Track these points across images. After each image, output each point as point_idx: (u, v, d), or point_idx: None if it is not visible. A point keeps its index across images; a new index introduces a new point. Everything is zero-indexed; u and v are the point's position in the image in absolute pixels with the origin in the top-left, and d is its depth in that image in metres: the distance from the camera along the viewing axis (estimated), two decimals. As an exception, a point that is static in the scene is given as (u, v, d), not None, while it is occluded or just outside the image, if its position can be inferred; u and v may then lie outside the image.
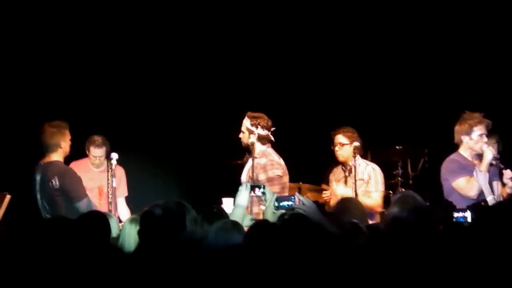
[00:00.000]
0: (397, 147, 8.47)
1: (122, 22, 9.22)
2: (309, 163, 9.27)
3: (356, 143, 7.55)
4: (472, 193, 6.92)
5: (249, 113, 7.36)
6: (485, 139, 7.13)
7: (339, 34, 9.49)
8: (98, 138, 8.01)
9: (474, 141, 7.12)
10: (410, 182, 8.78)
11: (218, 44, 9.55)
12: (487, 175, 7.02)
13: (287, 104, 9.49)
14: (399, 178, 8.50)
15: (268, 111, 7.53)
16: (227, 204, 6.75)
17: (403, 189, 8.23)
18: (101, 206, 7.84)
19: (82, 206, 7.30)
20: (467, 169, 7.10)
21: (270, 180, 7.12)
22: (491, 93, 8.98)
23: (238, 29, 9.48)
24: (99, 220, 5.00)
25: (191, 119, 9.39)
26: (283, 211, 5.34)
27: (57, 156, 7.58)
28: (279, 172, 7.22)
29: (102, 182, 7.94)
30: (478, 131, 7.13)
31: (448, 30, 9.22)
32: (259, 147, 7.28)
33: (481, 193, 6.95)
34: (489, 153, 7.03)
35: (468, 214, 5.29)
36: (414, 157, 8.81)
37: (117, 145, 7.97)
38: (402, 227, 4.62)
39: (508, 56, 9.01)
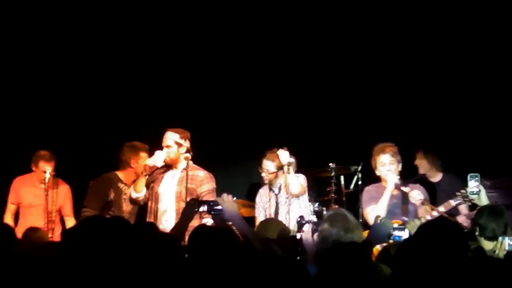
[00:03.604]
0: (331, 164, 8.51)
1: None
2: (243, 178, 9.32)
3: (291, 160, 7.56)
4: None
5: (171, 129, 7.39)
6: (389, 166, 7.18)
7: (265, 56, 9.54)
8: (46, 153, 7.92)
9: (382, 172, 7.20)
10: (344, 199, 8.83)
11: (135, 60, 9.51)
12: (393, 200, 7.11)
13: (219, 118, 9.53)
14: (333, 195, 8.53)
15: (203, 125, 7.56)
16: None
17: (337, 206, 8.27)
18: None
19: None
20: (379, 198, 7.17)
21: (212, 191, 7.24)
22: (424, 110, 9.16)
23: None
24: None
25: (120, 133, 9.27)
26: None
27: (122, 173, 7.81)
28: (214, 185, 7.33)
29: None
30: (382, 160, 7.20)
31: (375, 53, 9.36)
32: (184, 160, 7.30)
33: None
34: (391, 178, 7.13)
35: (405, 233, 5.31)
36: (348, 174, 8.87)
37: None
38: (336, 245, 4.64)
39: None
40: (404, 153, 7.33)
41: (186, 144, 7.31)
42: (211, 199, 6.66)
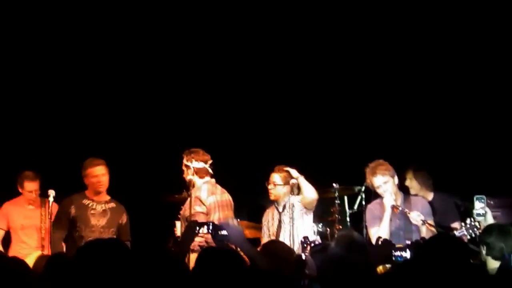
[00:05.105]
0: (334, 184, 8.47)
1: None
2: (247, 200, 9.31)
3: (293, 181, 7.59)
4: None
5: (185, 151, 7.42)
6: (384, 187, 7.19)
7: (269, 75, 9.59)
8: (30, 173, 8.00)
9: (381, 193, 7.22)
10: (348, 219, 8.80)
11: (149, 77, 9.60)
12: (396, 220, 7.10)
13: (228, 139, 9.54)
14: (336, 216, 8.49)
15: (209, 147, 7.60)
16: (179, 227, 7.31)
17: (340, 227, 8.23)
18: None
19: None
20: (382, 218, 7.17)
21: (192, 216, 7.17)
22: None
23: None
24: None
25: (128, 156, 9.30)
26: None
27: (89, 191, 7.72)
28: (200, 208, 7.31)
29: (38, 220, 7.94)
30: (376, 183, 7.22)
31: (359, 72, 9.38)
32: (198, 182, 7.33)
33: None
34: (387, 201, 7.13)
35: (407, 253, 5.28)
36: (351, 194, 8.84)
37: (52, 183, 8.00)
38: (339, 265, 4.63)
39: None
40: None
41: (193, 165, 7.37)
42: (211, 221, 6.60)
